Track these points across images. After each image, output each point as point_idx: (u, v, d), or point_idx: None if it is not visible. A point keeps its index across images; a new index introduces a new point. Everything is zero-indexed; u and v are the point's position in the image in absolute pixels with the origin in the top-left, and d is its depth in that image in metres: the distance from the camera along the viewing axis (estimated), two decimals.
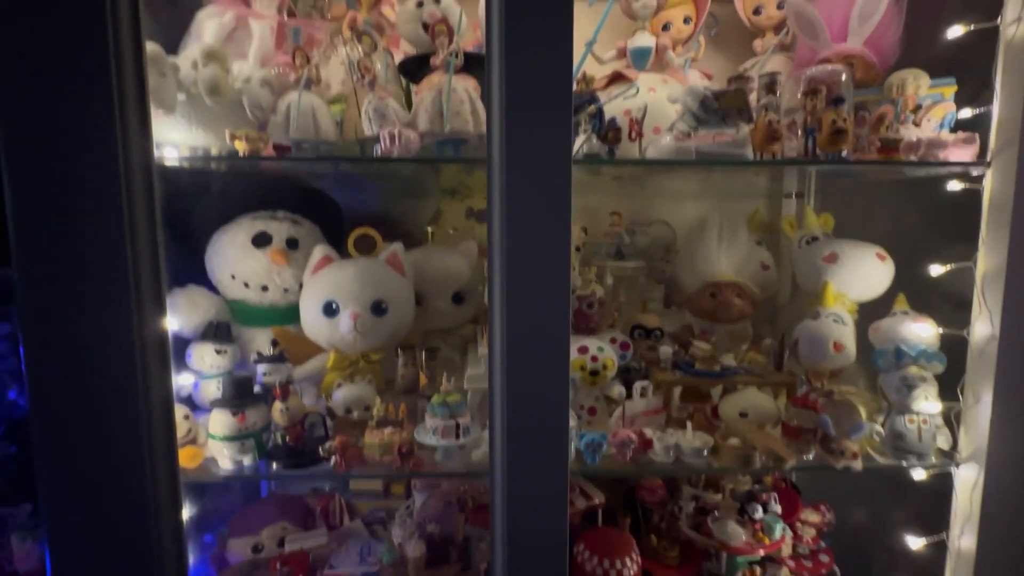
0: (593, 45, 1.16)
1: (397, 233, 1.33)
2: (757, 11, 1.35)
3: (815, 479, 1.42)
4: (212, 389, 1.09)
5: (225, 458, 1.00)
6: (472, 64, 1.01)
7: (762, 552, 1.15)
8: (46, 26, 0.75)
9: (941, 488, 1.07)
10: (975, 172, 1.00)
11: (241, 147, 0.93)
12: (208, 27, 1.04)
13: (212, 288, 1.19)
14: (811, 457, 1.04)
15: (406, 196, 1.46)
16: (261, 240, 1.14)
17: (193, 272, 1.18)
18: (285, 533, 1.19)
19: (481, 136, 0.98)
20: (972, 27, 0.99)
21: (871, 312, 1.18)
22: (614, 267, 1.34)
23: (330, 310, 1.08)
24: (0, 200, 0.79)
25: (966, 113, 1.04)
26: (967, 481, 1.03)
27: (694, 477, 1.29)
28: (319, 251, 1.12)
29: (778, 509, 1.22)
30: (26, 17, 0.75)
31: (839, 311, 1.14)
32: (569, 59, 0.82)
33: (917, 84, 1.04)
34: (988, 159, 0.98)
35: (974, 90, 1.02)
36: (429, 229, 1.32)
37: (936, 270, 1.08)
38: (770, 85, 1.02)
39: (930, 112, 1.04)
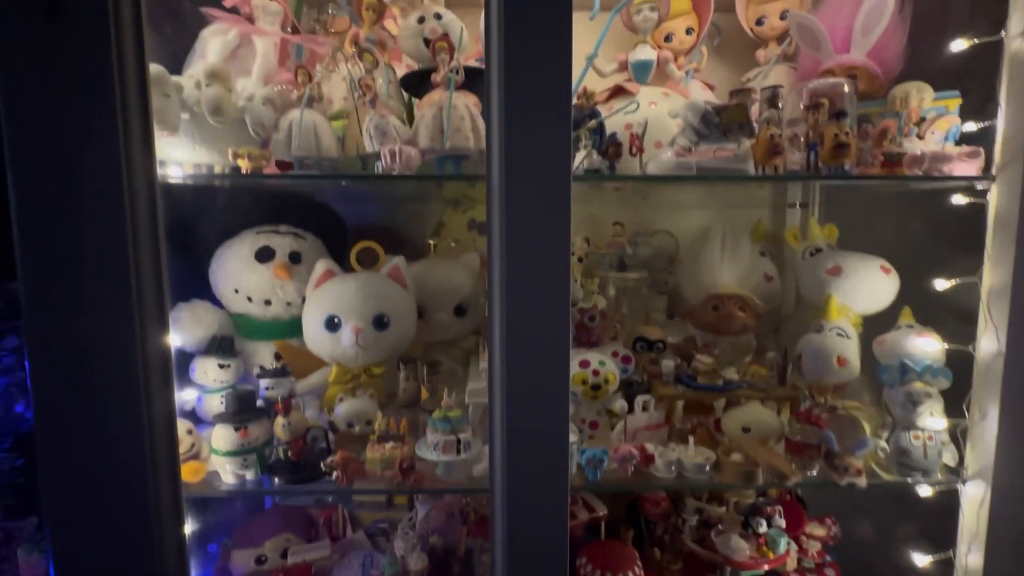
0: (594, 59, 1.16)
1: (400, 245, 1.33)
2: (760, 21, 1.35)
3: (820, 491, 1.41)
4: (215, 403, 1.10)
5: (228, 473, 1.00)
6: (473, 79, 1.01)
7: (766, 567, 1.14)
8: (51, 50, 0.77)
9: (947, 505, 1.06)
10: (980, 186, 0.99)
11: (244, 165, 0.94)
12: (212, 45, 1.05)
13: (216, 302, 1.20)
14: (815, 473, 1.03)
15: (409, 208, 1.46)
16: (264, 255, 1.15)
17: (198, 286, 1.19)
18: (288, 545, 1.20)
19: (482, 152, 0.99)
20: (976, 41, 0.98)
21: (876, 325, 1.17)
22: (616, 278, 1.33)
23: (332, 324, 1.08)
24: (7, 216, 0.80)
25: (970, 127, 1.03)
26: (974, 498, 1.02)
27: (697, 490, 1.28)
28: (321, 265, 1.13)
29: (782, 523, 1.21)
30: (32, 41, 0.77)
31: (843, 324, 1.13)
32: (568, 74, 0.82)
33: (921, 97, 1.03)
34: (993, 173, 0.97)
35: (979, 103, 1.01)
36: (431, 242, 1.32)
37: (941, 284, 1.07)
38: (772, 99, 1.02)
39: (934, 125, 1.03)
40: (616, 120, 1.11)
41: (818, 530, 1.27)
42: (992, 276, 0.98)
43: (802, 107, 1.01)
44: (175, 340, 1.08)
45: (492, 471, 0.92)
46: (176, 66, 1.11)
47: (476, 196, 1.44)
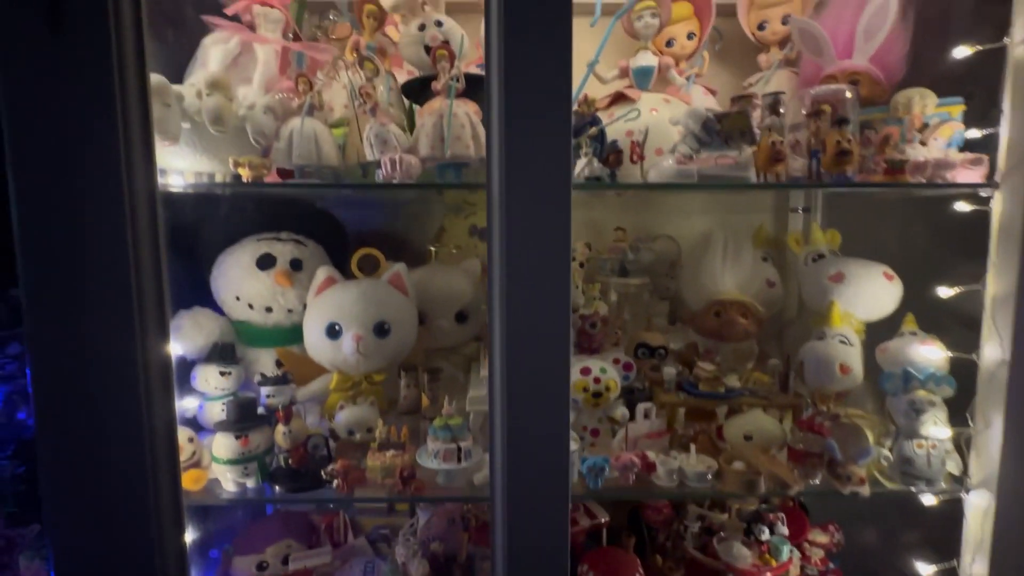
0: (595, 65, 1.16)
1: (401, 250, 1.33)
2: (761, 26, 1.34)
3: (823, 498, 1.40)
4: (217, 410, 1.10)
5: (228, 481, 1.00)
6: (474, 87, 1.01)
7: (769, 574, 1.13)
8: (53, 63, 0.77)
9: (951, 514, 1.05)
10: (983, 193, 0.98)
11: (245, 174, 0.94)
12: (213, 54, 1.05)
13: (218, 309, 1.20)
14: (817, 482, 1.02)
15: (410, 214, 1.46)
16: (265, 262, 1.15)
17: (199, 293, 1.20)
18: (290, 551, 1.20)
19: (482, 159, 0.98)
20: (979, 47, 0.98)
21: (879, 331, 1.16)
22: (618, 284, 1.33)
23: (333, 332, 1.08)
24: (10, 223, 0.80)
25: (974, 133, 1.02)
26: (978, 508, 1.01)
27: (700, 497, 1.27)
28: (322, 272, 1.13)
29: (785, 531, 1.20)
30: (34, 54, 0.77)
31: (846, 332, 1.13)
32: (569, 81, 0.82)
33: (924, 103, 1.03)
34: (997, 180, 0.96)
35: (982, 109, 1.00)
36: (432, 248, 1.32)
37: (944, 292, 1.06)
38: (773, 105, 1.01)
39: (937, 131, 1.03)
40: (617, 127, 1.11)
41: (821, 537, 1.26)
42: (996, 284, 0.97)
43: (804, 114, 1.01)
44: (177, 347, 1.08)
45: (492, 479, 0.92)
46: (178, 73, 1.11)
47: (477, 202, 1.44)
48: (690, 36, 1.32)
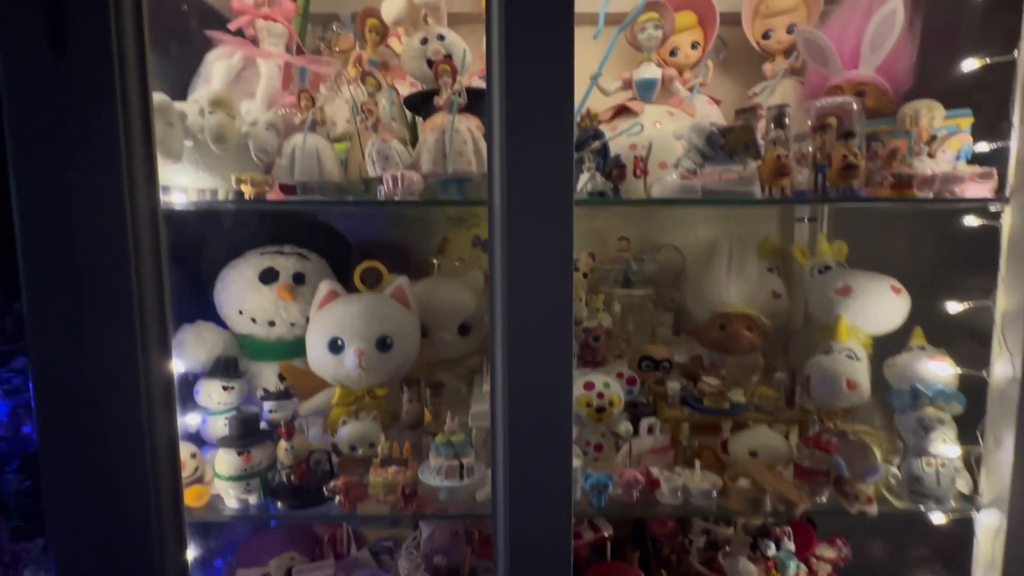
0: (598, 78, 1.15)
1: (404, 261, 1.33)
2: (766, 35, 1.33)
3: (831, 512, 1.38)
4: (220, 425, 1.10)
5: (231, 497, 1.00)
6: (476, 100, 1.01)
7: None
8: (56, 83, 0.77)
9: (961, 533, 1.03)
10: (993, 208, 0.97)
11: (247, 191, 0.95)
12: (216, 70, 1.05)
13: (222, 323, 1.20)
14: (824, 500, 1.01)
15: (412, 225, 1.46)
16: (268, 276, 1.15)
17: (203, 307, 1.20)
18: (293, 563, 1.20)
19: (484, 175, 0.98)
20: (988, 60, 0.96)
21: (887, 344, 1.15)
22: (622, 295, 1.32)
23: (335, 347, 1.08)
24: (14, 239, 0.81)
25: (983, 147, 1.00)
26: (989, 527, 1.00)
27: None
28: (324, 286, 1.13)
29: (791, 546, 1.19)
30: (37, 75, 0.77)
31: (853, 346, 1.11)
32: (571, 94, 0.81)
33: (932, 115, 1.01)
34: (1007, 195, 0.95)
35: (991, 121, 0.99)
36: (435, 261, 1.32)
37: (954, 307, 1.04)
38: (778, 118, 1.00)
39: (945, 143, 1.01)
40: (620, 141, 1.10)
41: (828, 552, 1.25)
42: (1007, 300, 0.96)
43: (810, 126, 1.00)
44: (180, 362, 1.09)
45: (494, 496, 0.91)
46: (182, 87, 1.11)
47: (480, 213, 1.43)
48: (694, 45, 1.31)
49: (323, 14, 1.30)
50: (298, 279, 1.17)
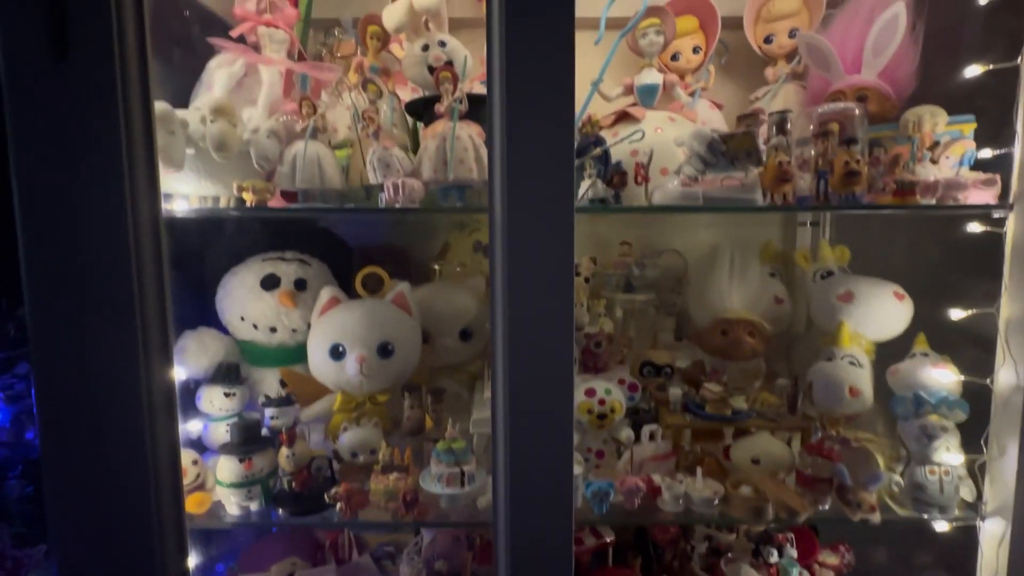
0: (599, 84, 1.15)
1: (405, 267, 1.33)
2: (768, 39, 1.33)
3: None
4: (221, 431, 1.11)
5: (232, 504, 1.00)
6: (477, 106, 1.01)
7: None
8: (58, 91, 0.78)
9: (965, 541, 1.03)
10: (997, 215, 0.96)
11: (249, 198, 0.95)
12: (218, 77, 1.05)
13: (223, 329, 1.20)
14: (827, 508, 1.00)
15: (414, 230, 1.46)
16: (269, 283, 1.15)
17: (205, 313, 1.20)
18: (294, 569, 1.20)
19: (485, 182, 0.98)
20: (991, 66, 0.95)
21: (890, 351, 1.14)
22: (623, 300, 1.32)
23: (337, 353, 1.08)
24: (16, 246, 0.81)
25: (986, 153, 1.00)
26: (993, 535, 0.99)
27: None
28: (326, 293, 1.13)
29: (794, 552, 1.19)
30: (39, 83, 0.77)
31: (855, 352, 1.11)
32: (572, 101, 0.80)
33: (934, 121, 1.00)
34: (1010, 202, 0.94)
35: (994, 127, 0.98)
36: (437, 266, 1.32)
37: (957, 314, 1.03)
38: (780, 124, 1.00)
39: (948, 149, 1.01)
40: (621, 147, 1.10)
41: (831, 559, 1.24)
42: (1010, 307, 0.95)
43: (811, 135, 0.99)
44: (182, 368, 1.09)
45: (495, 504, 0.91)
46: (184, 94, 1.12)
47: (481, 218, 1.43)
48: (696, 50, 1.31)
49: (325, 20, 1.30)
50: (299, 285, 1.17)
